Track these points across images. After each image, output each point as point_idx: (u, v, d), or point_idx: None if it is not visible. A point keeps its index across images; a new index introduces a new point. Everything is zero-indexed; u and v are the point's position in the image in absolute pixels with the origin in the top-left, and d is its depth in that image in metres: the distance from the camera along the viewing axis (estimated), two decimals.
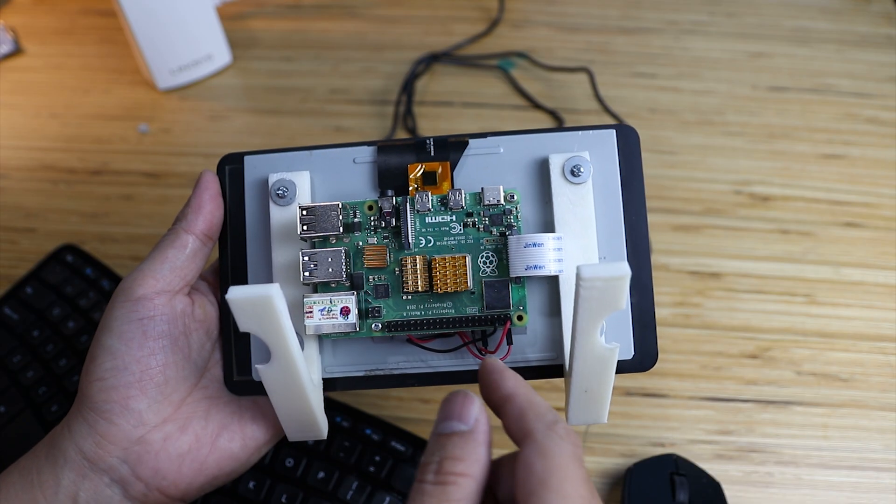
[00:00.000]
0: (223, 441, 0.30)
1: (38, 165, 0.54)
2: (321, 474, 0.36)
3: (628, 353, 0.30)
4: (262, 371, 0.27)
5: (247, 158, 0.31)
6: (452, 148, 0.30)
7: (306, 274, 0.29)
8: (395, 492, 0.36)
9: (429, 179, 0.30)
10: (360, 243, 0.30)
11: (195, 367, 0.30)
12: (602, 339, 0.26)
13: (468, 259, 0.29)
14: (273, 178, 0.30)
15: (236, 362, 0.31)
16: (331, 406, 0.38)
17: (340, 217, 0.29)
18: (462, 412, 0.23)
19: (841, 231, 0.48)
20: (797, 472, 0.39)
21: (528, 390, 0.24)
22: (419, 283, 0.29)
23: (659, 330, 0.43)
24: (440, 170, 0.30)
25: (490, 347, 0.30)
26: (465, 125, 0.56)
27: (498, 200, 0.29)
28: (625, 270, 0.23)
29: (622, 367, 0.29)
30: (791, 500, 0.38)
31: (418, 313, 0.29)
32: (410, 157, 0.30)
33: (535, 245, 0.28)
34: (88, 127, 0.56)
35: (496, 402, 0.25)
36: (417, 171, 0.30)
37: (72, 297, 0.43)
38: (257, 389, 0.30)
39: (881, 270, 0.46)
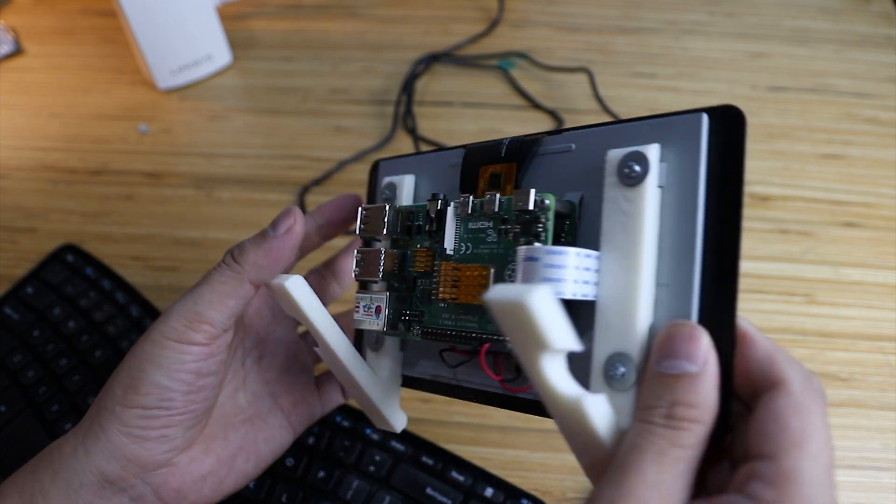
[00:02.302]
0: (240, 462, 0.30)
1: (38, 165, 0.54)
2: (321, 474, 0.36)
3: None
4: (317, 350, 0.29)
5: (381, 163, 0.33)
6: (523, 148, 0.28)
7: (357, 271, 0.30)
8: (396, 491, 0.36)
9: (494, 182, 0.28)
10: (419, 245, 0.29)
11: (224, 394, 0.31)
12: (559, 385, 0.21)
13: (491, 271, 0.26)
14: (384, 181, 0.31)
15: None
16: None
17: (387, 218, 0.29)
18: (690, 350, 0.21)
19: (840, 231, 0.48)
20: None
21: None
22: (447, 291, 0.27)
23: None
24: (504, 172, 0.28)
25: (500, 373, 0.26)
26: (464, 125, 0.56)
27: (528, 206, 0.25)
28: (518, 296, 0.19)
29: None
30: None
31: (450, 323, 0.27)
32: (486, 159, 0.29)
33: (531, 259, 0.23)
34: (88, 127, 0.56)
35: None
36: (487, 173, 0.29)
37: (72, 297, 0.43)
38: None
39: (880, 270, 0.46)
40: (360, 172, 0.53)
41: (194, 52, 0.57)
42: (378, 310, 0.29)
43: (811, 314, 0.45)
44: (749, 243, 0.48)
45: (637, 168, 0.23)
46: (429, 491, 0.35)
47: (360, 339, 0.32)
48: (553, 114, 0.55)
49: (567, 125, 0.55)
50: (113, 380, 0.27)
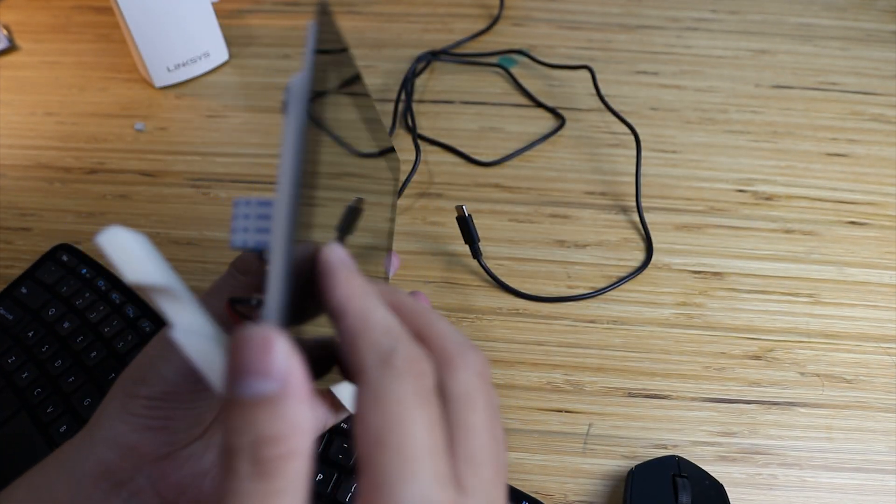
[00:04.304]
0: None
1: (33, 164, 0.53)
2: (319, 476, 0.36)
3: None
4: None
5: None
6: None
7: None
8: None
9: None
10: None
11: None
12: (175, 318, 0.20)
13: None
14: None
15: None
16: None
17: None
18: (263, 363, 0.16)
19: (845, 230, 0.48)
20: (801, 475, 0.38)
21: (367, 301, 0.18)
22: None
23: (661, 331, 0.43)
24: None
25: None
26: (465, 123, 0.55)
27: None
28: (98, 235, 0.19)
29: None
30: (794, 502, 0.37)
31: None
32: None
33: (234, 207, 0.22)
34: (84, 125, 0.56)
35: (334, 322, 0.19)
36: None
37: (67, 296, 0.43)
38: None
39: (886, 270, 0.46)
40: None
41: (191, 50, 0.57)
42: None
43: (816, 315, 0.44)
44: (753, 243, 0.47)
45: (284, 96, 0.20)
46: None
47: None
48: (554, 112, 0.55)
49: (568, 123, 0.54)
50: (124, 372, 0.28)
